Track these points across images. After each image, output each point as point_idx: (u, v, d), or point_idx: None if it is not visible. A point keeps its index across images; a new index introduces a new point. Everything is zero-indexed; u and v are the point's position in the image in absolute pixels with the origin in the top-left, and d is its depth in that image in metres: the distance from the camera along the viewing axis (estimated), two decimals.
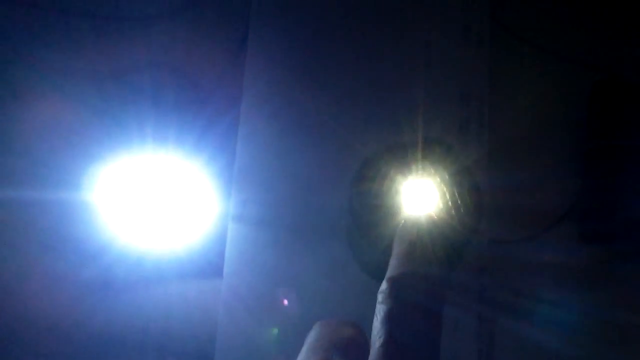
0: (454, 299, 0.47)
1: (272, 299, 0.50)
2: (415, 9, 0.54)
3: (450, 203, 0.42)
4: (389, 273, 0.32)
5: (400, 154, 0.44)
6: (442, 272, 0.32)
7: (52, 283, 0.51)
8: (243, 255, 0.51)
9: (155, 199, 0.52)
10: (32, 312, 0.50)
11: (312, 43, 0.55)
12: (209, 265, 0.52)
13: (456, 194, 0.42)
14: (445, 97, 0.52)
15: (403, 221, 0.37)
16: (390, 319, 0.29)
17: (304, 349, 0.31)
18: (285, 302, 0.45)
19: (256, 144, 0.53)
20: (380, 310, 0.30)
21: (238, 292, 0.50)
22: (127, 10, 0.57)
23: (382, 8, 0.55)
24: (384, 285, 0.31)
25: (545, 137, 0.52)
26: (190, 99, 0.56)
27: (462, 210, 0.42)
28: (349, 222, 0.47)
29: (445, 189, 0.42)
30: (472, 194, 0.43)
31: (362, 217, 0.43)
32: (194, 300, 0.52)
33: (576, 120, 0.51)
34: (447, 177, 0.43)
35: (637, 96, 0.48)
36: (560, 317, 0.47)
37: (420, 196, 0.42)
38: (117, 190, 0.51)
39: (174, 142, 0.53)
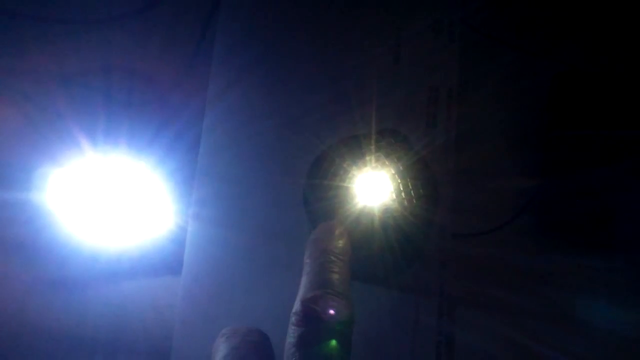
0: (414, 293, 0.47)
1: (229, 299, 0.49)
2: (386, 3, 0.54)
3: (404, 195, 0.41)
4: (302, 294, 0.32)
5: (355, 145, 0.43)
6: (350, 294, 0.32)
7: (1, 282, 0.50)
8: (201, 254, 0.50)
9: (111, 198, 0.51)
10: None
11: (277, 35, 0.54)
12: (166, 264, 0.51)
13: (410, 186, 0.41)
14: (413, 91, 0.52)
15: (314, 231, 0.37)
16: (303, 342, 0.29)
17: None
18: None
19: (218, 142, 0.52)
20: (293, 332, 0.30)
21: (195, 290, 0.49)
22: (79, 14, 0.56)
23: (353, 1, 0.54)
24: (297, 307, 0.31)
25: (508, 129, 0.52)
26: (145, 99, 0.55)
27: (415, 202, 0.41)
28: (305, 214, 0.46)
29: (399, 180, 0.41)
30: (427, 186, 0.42)
31: (315, 210, 0.42)
32: (150, 299, 0.51)
33: (537, 111, 0.50)
34: (401, 168, 0.42)
35: (595, 87, 0.47)
36: (523, 311, 0.46)
37: (375, 188, 0.41)
38: (70, 189, 0.51)
39: (128, 141, 0.52)
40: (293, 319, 0.31)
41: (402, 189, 0.41)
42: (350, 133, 0.44)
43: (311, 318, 0.30)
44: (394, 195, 0.41)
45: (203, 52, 0.54)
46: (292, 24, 0.54)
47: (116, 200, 0.51)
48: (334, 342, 0.30)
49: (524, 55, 0.53)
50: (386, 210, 0.41)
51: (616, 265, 0.47)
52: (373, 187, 0.41)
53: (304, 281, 0.33)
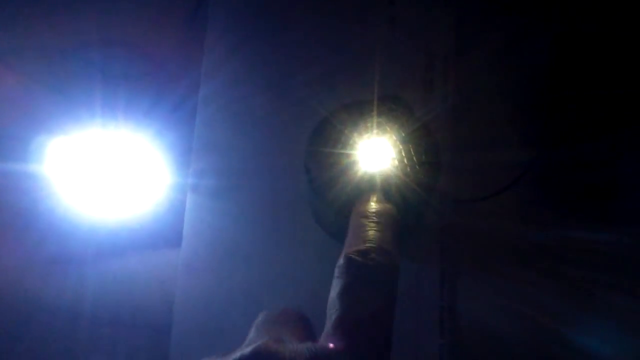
0: (415, 261, 0.46)
1: (230, 270, 0.49)
2: None
3: (406, 161, 0.41)
4: (346, 248, 0.32)
5: (357, 112, 0.42)
6: (395, 248, 0.32)
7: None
8: (201, 225, 0.50)
9: (109, 171, 0.50)
10: None
11: (272, 4, 0.53)
12: (166, 237, 0.51)
13: (412, 153, 0.41)
14: (409, 56, 0.51)
15: (360, 196, 0.37)
16: (346, 294, 0.29)
17: (253, 332, 0.31)
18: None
19: (215, 111, 0.52)
20: (336, 285, 0.30)
21: (195, 262, 0.49)
22: None
23: None
24: (341, 260, 0.31)
25: (507, 93, 0.51)
26: (142, 71, 0.54)
27: (418, 169, 0.41)
28: (306, 183, 0.46)
29: (401, 147, 0.41)
30: (430, 153, 0.41)
31: (318, 177, 0.41)
32: (149, 272, 0.50)
33: (537, 74, 0.50)
34: (403, 135, 0.41)
35: (595, 47, 0.47)
36: (522, 280, 0.46)
37: (377, 155, 0.41)
38: (68, 162, 0.50)
39: (126, 113, 0.52)
40: (336, 271, 0.31)
41: (404, 155, 0.41)
42: (352, 99, 0.43)
43: (354, 269, 0.30)
44: (396, 162, 0.41)
45: (199, 23, 0.53)
46: None
47: (114, 173, 0.50)
48: None
49: (522, 18, 0.52)
50: (388, 177, 0.40)
51: (616, 238, 0.47)
52: (375, 154, 0.41)
53: (347, 239, 0.34)
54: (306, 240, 0.49)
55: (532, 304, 0.46)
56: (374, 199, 0.37)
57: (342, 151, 0.41)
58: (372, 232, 0.33)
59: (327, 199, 0.41)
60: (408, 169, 0.41)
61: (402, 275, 0.47)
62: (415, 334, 0.46)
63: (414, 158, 0.41)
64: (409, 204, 0.41)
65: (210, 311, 0.48)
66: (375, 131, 0.41)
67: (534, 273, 0.46)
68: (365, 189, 0.39)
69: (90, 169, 0.50)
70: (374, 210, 0.35)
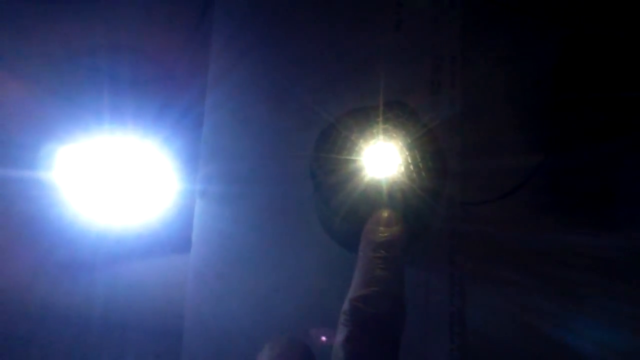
0: (423, 267, 0.46)
1: (239, 276, 0.49)
2: None
3: (412, 168, 0.40)
4: (352, 292, 0.31)
5: (363, 118, 0.42)
6: (402, 291, 0.32)
7: (8, 263, 0.49)
8: (210, 231, 0.50)
9: (117, 178, 0.51)
10: None
11: (277, 10, 0.53)
12: (174, 243, 0.51)
13: (418, 159, 0.41)
14: (416, 60, 0.51)
15: (370, 217, 0.36)
16: (351, 342, 0.29)
17: None
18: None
19: (222, 117, 0.52)
20: (341, 331, 0.29)
21: (205, 268, 0.49)
22: None
23: None
24: (346, 306, 0.30)
25: (514, 96, 0.51)
26: (150, 76, 0.54)
27: (424, 175, 0.40)
28: (312, 189, 0.46)
29: (407, 153, 0.41)
30: (436, 159, 0.41)
31: (323, 183, 0.41)
32: (160, 277, 0.50)
33: (545, 76, 0.49)
34: (410, 141, 0.41)
35: (603, 49, 0.46)
36: (526, 286, 0.46)
37: (383, 161, 0.41)
38: (77, 169, 0.50)
39: (134, 120, 0.52)
40: (342, 318, 0.30)
41: (410, 161, 0.41)
42: (358, 105, 0.43)
43: (358, 318, 0.30)
44: (402, 168, 0.40)
45: (205, 30, 0.54)
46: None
47: (123, 179, 0.50)
48: None
49: (529, 20, 0.52)
50: (394, 184, 0.40)
51: (623, 244, 0.46)
52: (381, 160, 0.41)
53: (354, 277, 0.33)
54: (314, 245, 0.49)
55: (539, 309, 0.45)
56: (384, 220, 0.36)
57: (348, 157, 0.41)
58: (378, 272, 0.32)
59: (332, 206, 0.41)
60: (414, 175, 0.40)
61: (411, 281, 0.47)
62: (425, 339, 0.46)
63: (420, 164, 0.41)
64: (416, 210, 0.41)
65: (220, 316, 0.49)
66: (381, 137, 0.41)
67: (540, 278, 0.46)
68: (374, 201, 0.39)
69: (99, 176, 0.50)
70: (383, 240, 0.34)
